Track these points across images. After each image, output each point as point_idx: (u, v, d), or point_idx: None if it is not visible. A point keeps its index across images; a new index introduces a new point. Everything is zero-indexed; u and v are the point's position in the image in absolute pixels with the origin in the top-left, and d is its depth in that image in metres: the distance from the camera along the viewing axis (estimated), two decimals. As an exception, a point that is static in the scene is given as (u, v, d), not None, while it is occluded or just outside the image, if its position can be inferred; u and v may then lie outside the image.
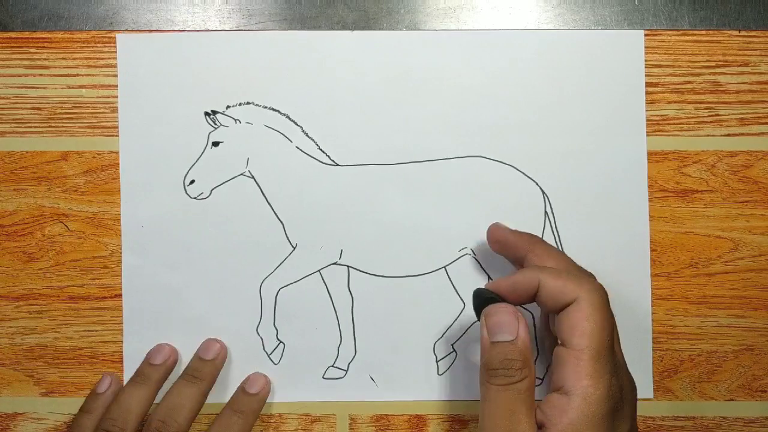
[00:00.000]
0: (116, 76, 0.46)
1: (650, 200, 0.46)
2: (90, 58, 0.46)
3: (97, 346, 0.46)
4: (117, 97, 0.46)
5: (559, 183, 0.46)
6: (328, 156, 0.46)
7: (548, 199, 0.46)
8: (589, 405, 0.34)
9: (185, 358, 0.45)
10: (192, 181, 0.45)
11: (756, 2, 0.46)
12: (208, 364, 0.44)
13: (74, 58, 0.46)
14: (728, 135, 0.46)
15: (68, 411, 0.46)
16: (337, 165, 0.46)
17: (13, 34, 0.46)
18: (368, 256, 0.46)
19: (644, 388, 0.46)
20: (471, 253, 0.46)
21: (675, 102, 0.46)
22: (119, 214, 0.46)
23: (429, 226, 0.46)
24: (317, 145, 0.46)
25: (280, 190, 0.46)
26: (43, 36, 0.46)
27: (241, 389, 0.45)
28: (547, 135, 0.46)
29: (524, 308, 0.45)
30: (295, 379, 0.46)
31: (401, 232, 0.46)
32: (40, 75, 0.46)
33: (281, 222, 0.46)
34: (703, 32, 0.46)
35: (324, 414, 0.46)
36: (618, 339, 0.39)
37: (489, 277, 0.46)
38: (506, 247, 0.42)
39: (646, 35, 0.46)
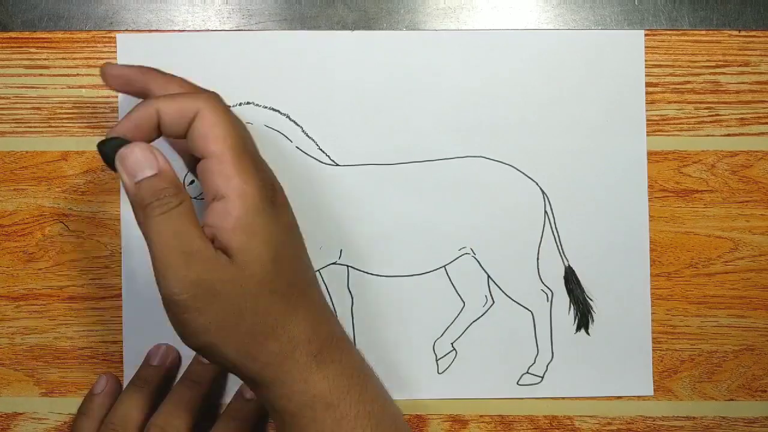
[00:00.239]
0: (116, 76, 0.46)
1: (650, 200, 0.46)
2: (90, 58, 0.46)
3: (97, 346, 0.46)
4: (117, 97, 0.46)
5: (559, 183, 0.46)
6: (328, 156, 0.46)
7: (548, 199, 0.46)
8: (246, 199, 0.35)
9: (186, 359, 0.45)
10: (192, 181, 0.45)
11: (756, 2, 0.46)
12: (207, 367, 0.44)
13: (74, 58, 0.46)
14: (728, 135, 0.46)
15: (68, 411, 0.46)
16: (337, 165, 0.46)
17: (13, 34, 0.46)
18: (368, 256, 0.46)
19: (644, 387, 0.46)
20: (471, 252, 0.46)
21: (675, 102, 0.46)
22: (119, 214, 0.46)
23: (429, 226, 0.46)
24: (317, 145, 0.46)
25: (280, 190, 0.46)
26: (43, 36, 0.46)
27: (239, 394, 0.45)
28: (548, 135, 0.46)
29: (524, 307, 0.45)
30: (295, 379, 0.46)
31: (401, 232, 0.46)
32: (40, 75, 0.46)
33: (281, 222, 0.46)
34: (703, 32, 0.46)
35: (324, 414, 0.46)
36: (252, 140, 0.38)
37: (489, 277, 0.46)
38: (127, 82, 0.39)
39: (646, 35, 0.46)
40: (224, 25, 0.46)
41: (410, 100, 0.46)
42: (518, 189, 0.46)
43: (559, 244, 0.46)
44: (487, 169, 0.46)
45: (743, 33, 0.46)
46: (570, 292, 0.46)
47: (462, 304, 0.46)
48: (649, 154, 0.46)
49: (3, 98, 0.46)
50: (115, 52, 0.46)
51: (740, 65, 0.46)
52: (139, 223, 0.35)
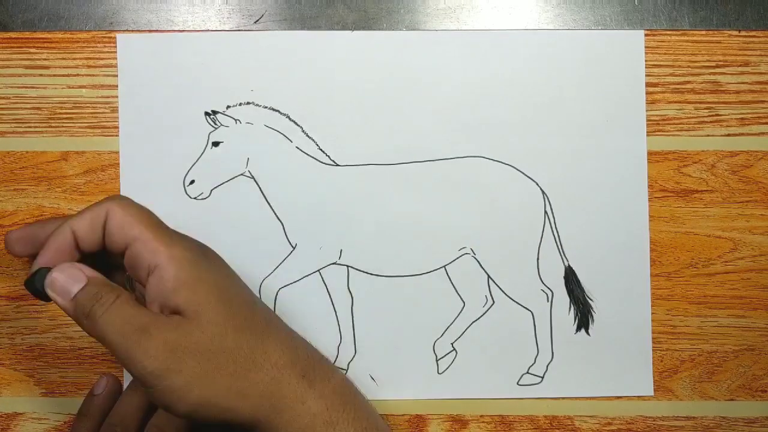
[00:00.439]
0: (116, 76, 0.46)
1: (650, 200, 0.46)
2: (90, 58, 0.46)
3: (97, 346, 0.46)
4: (117, 97, 0.46)
5: (559, 183, 0.46)
6: (328, 156, 0.46)
7: (548, 199, 0.46)
8: (177, 259, 0.36)
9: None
10: (192, 182, 0.45)
11: (756, 2, 0.46)
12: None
13: (74, 58, 0.46)
14: (728, 135, 0.46)
15: (68, 411, 0.46)
16: (337, 165, 0.46)
17: (13, 34, 0.46)
18: (368, 256, 0.46)
19: (644, 387, 0.46)
20: (471, 252, 0.46)
21: (675, 102, 0.46)
22: (119, 214, 0.46)
23: (429, 226, 0.46)
24: (317, 145, 0.46)
25: (280, 190, 0.46)
26: (43, 36, 0.46)
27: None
28: (548, 135, 0.46)
29: (524, 307, 0.45)
30: (295, 379, 0.46)
31: (401, 232, 0.46)
32: (40, 75, 0.46)
33: (281, 222, 0.46)
34: (703, 32, 0.46)
35: (324, 414, 0.46)
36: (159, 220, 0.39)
37: (489, 277, 0.46)
38: (31, 240, 0.39)
39: (646, 35, 0.46)
40: (224, 25, 0.46)
41: (410, 100, 0.46)
42: (518, 189, 0.46)
43: (559, 244, 0.46)
44: (487, 169, 0.46)
45: (743, 33, 0.46)
46: (570, 292, 0.46)
47: (462, 304, 0.46)
48: (649, 154, 0.46)
49: (3, 98, 0.46)
50: (115, 52, 0.46)
51: (740, 65, 0.46)
52: (90, 332, 0.36)
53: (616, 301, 0.46)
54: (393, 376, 0.46)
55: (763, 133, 0.46)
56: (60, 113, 0.46)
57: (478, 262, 0.46)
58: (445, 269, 0.46)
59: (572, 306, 0.46)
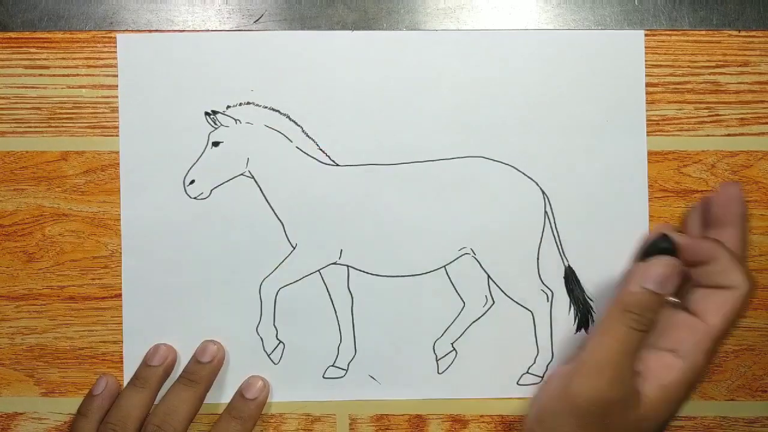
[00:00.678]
0: (116, 76, 0.46)
1: (650, 200, 0.46)
2: (90, 58, 0.46)
3: (97, 346, 0.46)
4: (117, 97, 0.46)
5: (559, 183, 0.46)
6: (328, 156, 0.46)
7: (548, 199, 0.46)
8: (693, 375, 0.38)
9: (185, 358, 0.45)
10: (192, 181, 0.45)
11: (756, 2, 0.46)
12: (206, 366, 0.44)
13: (74, 58, 0.46)
14: (728, 135, 0.46)
15: (68, 411, 0.46)
16: (337, 165, 0.46)
17: (13, 34, 0.46)
18: (368, 256, 0.46)
19: (644, 388, 0.46)
20: (471, 252, 0.46)
21: (675, 102, 0.46)
22: (119, 214, 0.46)
23: (429, 226, 0.46)
24: (317, 145, 0.46)
25: (280, 190, 0.46)
26: (43, 36, 0.46)
27: (240, 394, 0.45)
28: (548, 135, 0.46)
29: (524, 307, 0.45)
30: (295, 378, 0.46)
31: (401, 232, 0.46)
32: (40, 75, 0.46)
33: (281, 222, 0.46)
34: (703, 32, 0.46)
35: (324, 414, 0.46)
36: None
37: (489, 277, 0.46)
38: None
39: (646, 35, 0.46)
40: (224, 25, 0.46)
41: (410, 100, 0.46)
42: (518, 189, 0.46)
43: (559, 244, 0.46)
44: (487, 169, 0.46)
45: (743, 33, 0.46)
46: (570, 292, 0.46)
47: (462, 304, 0.46)
48: (649, 154, 0.46)
49: (3, 98, 0.46)
50: (115, 52, 0.46)
51: (740, 65, 0.46)
52: (609, 311, 0.39)
53: (616, 301, 0.46)
54: (393, 376, 0.46)
55: (763, 133, 0.46)
56: (60, 113, 0.46)
57: (478, 262, 0.46)
58: (445, 269, 0.46)
59: (572, 306, 0.46)
